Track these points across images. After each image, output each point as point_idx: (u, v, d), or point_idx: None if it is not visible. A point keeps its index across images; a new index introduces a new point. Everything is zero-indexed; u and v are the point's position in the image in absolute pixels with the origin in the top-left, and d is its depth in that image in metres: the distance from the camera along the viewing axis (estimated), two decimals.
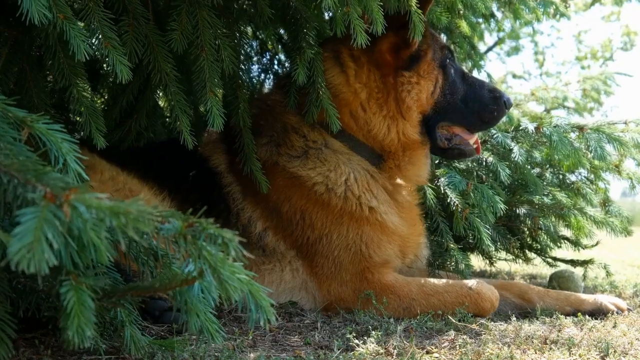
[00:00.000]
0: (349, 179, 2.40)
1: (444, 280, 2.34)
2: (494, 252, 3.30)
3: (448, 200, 2.69)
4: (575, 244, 3.30)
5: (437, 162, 3.00)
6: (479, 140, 2.65)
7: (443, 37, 3.14)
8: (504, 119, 2.77)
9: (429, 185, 2.77)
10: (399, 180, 2.54)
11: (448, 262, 2.72)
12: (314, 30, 2.42)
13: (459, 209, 2.62)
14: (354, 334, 1.87)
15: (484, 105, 2.53)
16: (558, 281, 3.05)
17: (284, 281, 2.37)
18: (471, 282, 2.30)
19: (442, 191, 2.74)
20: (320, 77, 2.37)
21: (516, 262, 3.50)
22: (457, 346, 1.80)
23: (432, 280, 2.34)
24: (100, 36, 1.79)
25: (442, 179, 2.77)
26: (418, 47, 2.45)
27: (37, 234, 0.90)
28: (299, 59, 2.33)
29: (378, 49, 2.42)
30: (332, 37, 2.62)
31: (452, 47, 2.63)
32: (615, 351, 1.78)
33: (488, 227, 2.64)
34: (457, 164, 2.98)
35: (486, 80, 3.91)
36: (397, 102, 2.43)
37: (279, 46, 3.52)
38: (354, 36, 2.06)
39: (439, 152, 2.62)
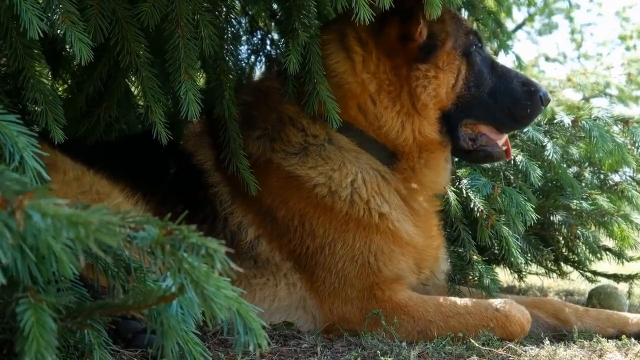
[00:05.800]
0: (356, 180, 2.40)
1: (466, 300, 2.33)
2: (523, 265, 3.29)
3: (471, 205, 2.68)
4: (619, 255, 3.31)
5: (456, 160, 2.99)
6: (510, 141, 2.63)
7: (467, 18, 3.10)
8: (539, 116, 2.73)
9: (452, 188, 2.76)
10: (414, 185, 2.54)
11: (471, 276, 2.72)
12: (312, 8, 2.38)
13: (484, 216, 2.62)
14: None
15: (516, 101, 2.51)
16: (599, 298, 3.06)
17: (279, 298, 2.38)
18: (498, 302, 2.29)
19: (465, 194, 2.74)
20: (317, 65, 2.35)
21: (549, 277, 3.51)
22: None
23: (452, 299, 2.33)
24: (58, 11, 1.76)
25: (465, 181, 2.77)
26: (434, 35, 2.45)
27: None
28: (292, 43, 2.29)
29: (387, 36, 2.43)
30: (337, 18, 2.61)
31: (478, 29, 2.58)
32: None
33: (517, 236, 2.63)
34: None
35: (515, 64, 3.91)
36: (411, 98, 2.43)
37: (272, 24, 3.52)
38: (356, 10, 2.04)
39: (462, 154, 2.63)
